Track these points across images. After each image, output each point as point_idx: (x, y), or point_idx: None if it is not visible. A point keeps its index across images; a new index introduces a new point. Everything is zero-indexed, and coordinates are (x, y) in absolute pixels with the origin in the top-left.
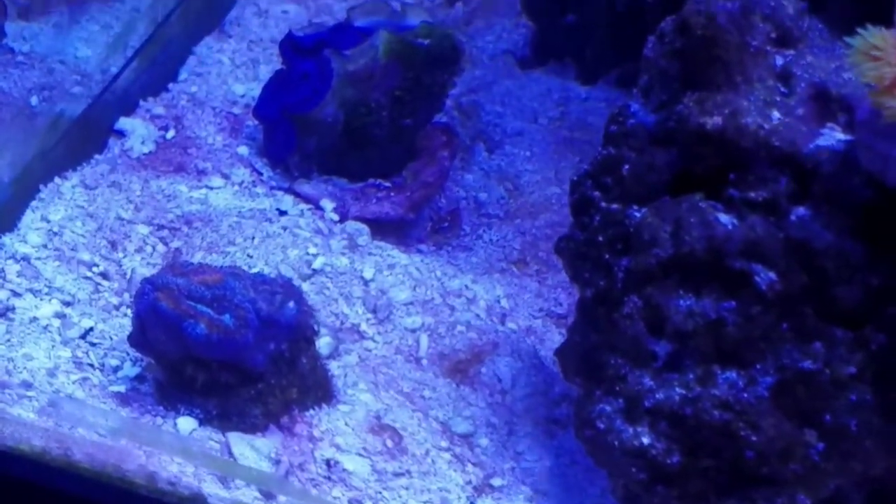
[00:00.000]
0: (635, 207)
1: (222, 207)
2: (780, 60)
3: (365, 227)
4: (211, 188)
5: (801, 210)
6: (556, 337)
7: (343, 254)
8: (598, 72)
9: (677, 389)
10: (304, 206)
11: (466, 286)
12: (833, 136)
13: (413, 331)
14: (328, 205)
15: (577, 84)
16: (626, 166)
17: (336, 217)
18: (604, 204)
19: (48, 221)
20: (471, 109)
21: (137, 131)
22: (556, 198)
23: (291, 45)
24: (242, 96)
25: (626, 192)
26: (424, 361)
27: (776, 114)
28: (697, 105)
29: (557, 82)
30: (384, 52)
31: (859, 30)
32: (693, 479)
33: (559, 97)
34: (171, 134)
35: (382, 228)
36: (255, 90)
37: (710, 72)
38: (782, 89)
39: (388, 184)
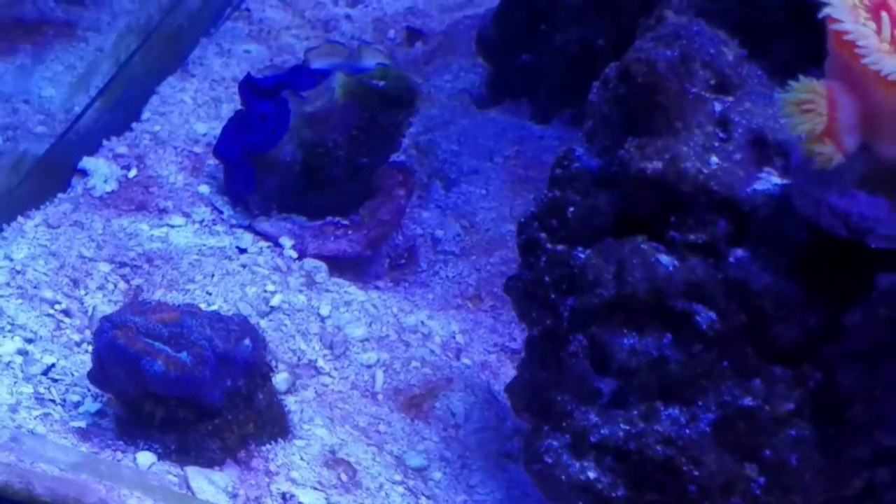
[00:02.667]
0: (580, 249)
1: (183, 245)
2: (718, 107)
3: (323, 265)
4: (172, 226)
5: (739, 252)
6: (509, 371)
7: (301, 291)
8: (552, 111)
9: (622, 425)
10: (263, 243)
11: (422, 322)
12: (769, 180)
13: (369, 366)
14: (287, 242)
15: (531, 123)
16: (571, 209)
17: (295, 254)
18: (549, 245)
19: (11, 260)
20: (428, 148)
21: (100, 171)
22: (511, 235)
23: (250, 87)
24: (204, 135)
25: (571, 233)
26: (380, 396)
27: (714, 159)
28: (639, 150)
29: (512, 122)
30: (341, 94)
31: (790, 82)
32: None
33: (514, 136)
34: (133, 173)
35: (340, 265)
36: (217, 129)
37: (650, 118)
38: (721, 135)
39: (345, 222)
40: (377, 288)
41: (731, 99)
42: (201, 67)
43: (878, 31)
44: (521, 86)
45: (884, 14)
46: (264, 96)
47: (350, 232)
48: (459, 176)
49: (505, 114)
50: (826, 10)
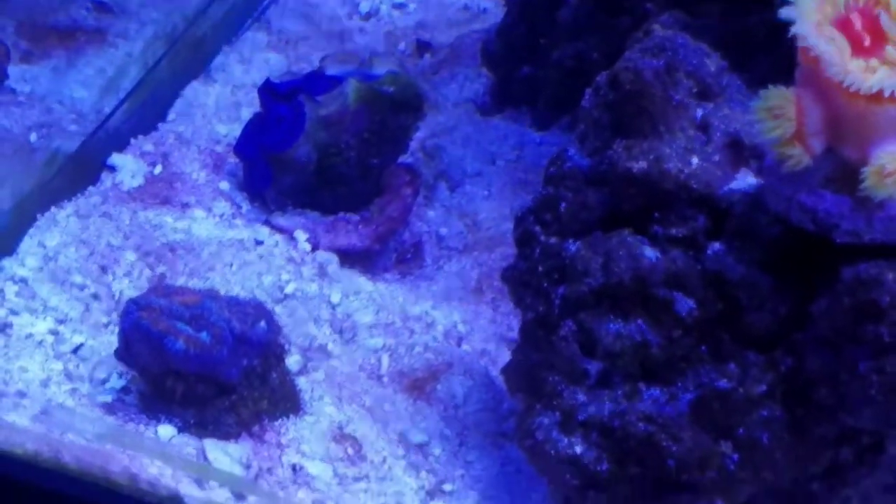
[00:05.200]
0: (571, 241)
1: (204, 237)
2: (699, 112)
3: (334, 257)
4: (194, 219)
5: (716, 245)
6: (507, 358)
7: (313, 280)
8: (551, 119)
9: (607, 404)
10: (278, 236)
11: (426, 312)
12: (745, 179)
13: (375, 351)
14: (301, 235)
15: (531, 130)
16: (564, 204)
17: (308, 247)
18: (543, 238)
19: (44, 247)
20: (434, 151)
21: (128, 166)
22: (511, 233)
23: (269, 91)
24: (225, 136)
25: (563, 227)
26: (385, 378)
27: (695, 159)
28: (626, 151)
29: (514, 128)
30: (353, 99)
31: (761, 90)
32: (621, 485)
33: (515, 141)
34: (158, 169)
35: (350, 258)
36: (237, 130)
37: (637, 122)
38: (701, 138)
39: (356, 217)
40: (385, 280)
41: (711, 105)
42: (223, 73)
43: (841, 43)
44: (522, 95)
45: (841, 32)
46: (282, 100)
47: (360, 227)
48: (463, 177)
49: (507, 121)
50: (794, 28)
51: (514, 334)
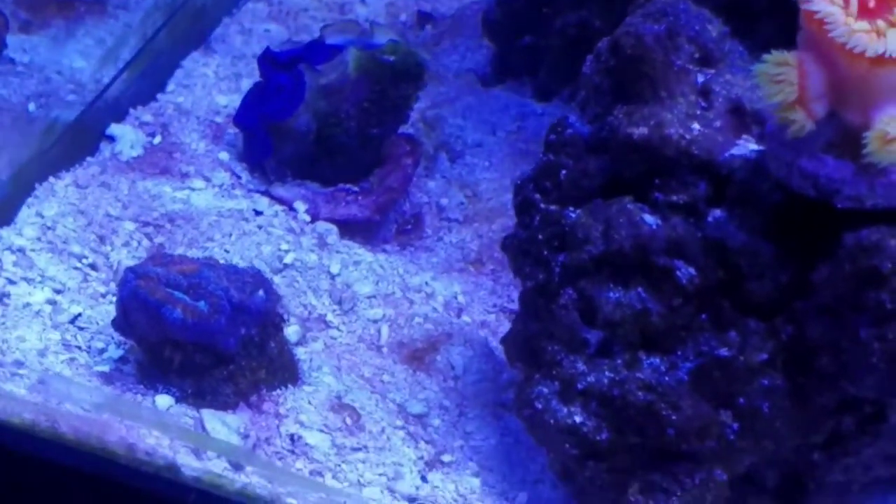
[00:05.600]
0: (571, 209)
1: (203, 207)
2: (701, 78)
3: (334, 227)
4: (193, 189)
5: (717, 212)
6: (507, 329)
7: (313, 251)
8: (553, 90)
9: (606, 373)
10: (278, 207)
11: (426, 283)
12: (746, 146)
13: (375, 321)
14: (301, 206)
15: (533, 101)
16: (564, 172)
17: (308, 218)
18: (543, 205)
19: (42, 217)
20: (434, 122)
21: (127, 136)
22: (511, 204)
23: (269, 60)
24: (225, 107)
25: (563, 195)
26: (384, 349)
27: (696, 125)
28: (626, 117)
29: (515, 99)
30: (354, 68)
31: (764, 55)
32: (620, 455)
33: (516, 112)
34: (157, 140)
35: (350, 228)
36: (237, 101)
37: (637, 87)
38: (702, 104)
39: (356, 188)
40: (384, 251)
41: (712, 71)
42: (223, 44)
43: (846, 6)
44: (524, 65)
45: None
46: (282, 69)
47: (360, 198)
48: (464, 148)
49: (508, 91)
50: None
51: (514, 305)
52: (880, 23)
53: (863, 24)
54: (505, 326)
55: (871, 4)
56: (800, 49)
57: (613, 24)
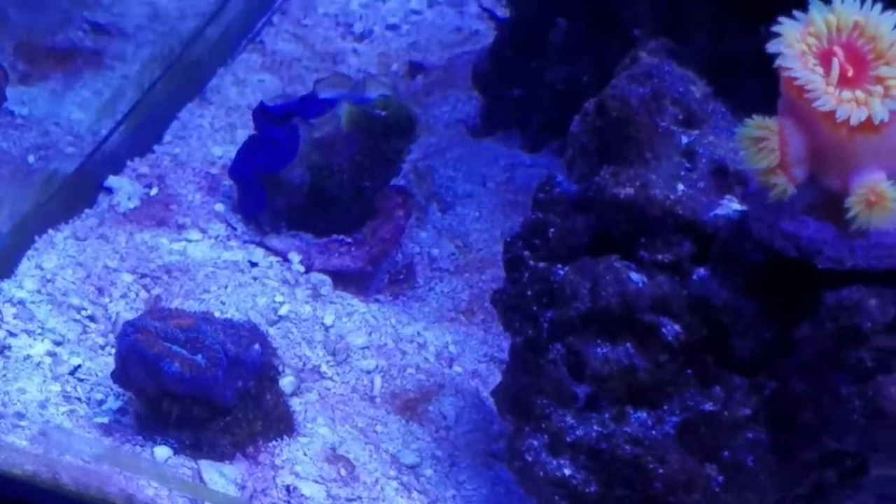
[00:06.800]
0: (559, 266)
1: (199, 259)
2: (685, 139)
3: (328, 278)
4: (189, 241)
5: (701, 271)
6: (498, 379)
7: (307, 302)
8: (542, 141)
9: (595, 427)
10: (273, 258)
11: (418, 333)
12: (729, 206)
13: (368, 372)
14: (295, 257)
15: (522, 152)
16: (552, 230)
17: (302, 268)
18: (532, 262)
19: (42, 269)
20: (426, 173)
21: (124, 188)
22: (502, 255)
23: (263, 114)
24: (220, 157)
25: (551, 252)
26: (378, 400)
27: (681, 186)
28: (613, 177)
29: (505, 150)
30: (346, 122)
31: (746, 120)
32: None
33: (506, 163)
34: (154, 191)
35: (344, 279)
36: (232, 152)
37: (623, 148)
38: (687, 165)
39: (349, 239)
40: (377, 301)
41: (696, 132)
42: (218, 95)
43: (826, 75)
44: (513, 117)
45: (834, 60)
46: (276, 122)
47: (353, 249)
48: (455, 199)
49: (498, 143)
50: (779, 59)
51: (505, 355)
52: (859, 93)
53: (847, 94)
54: (496, 376)
55: (850, 74)
56: (780, 114)
57: (601, 79)
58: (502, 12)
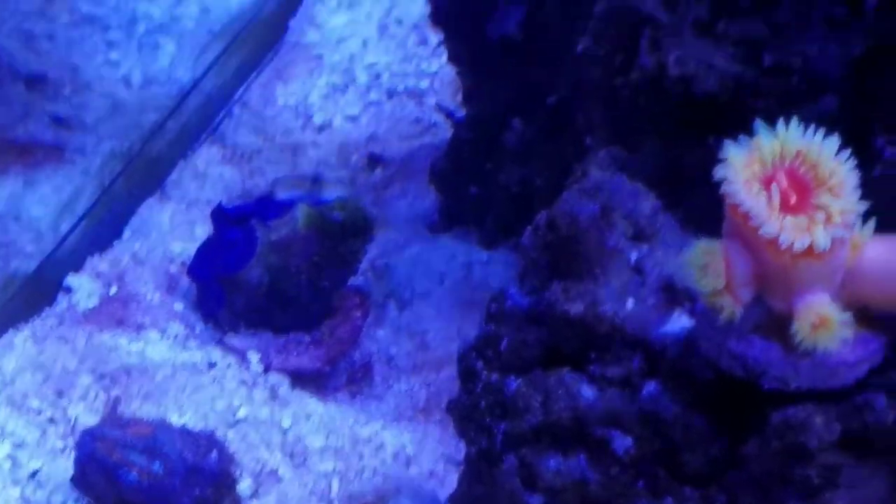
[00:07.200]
0: (512, 378)
1: (158, 360)
2: (634, 255)
3: (286, 378)
4: (148, 341)
5: (651, 385)
6: (455, 479)
7: (265, 404)
8: (498, 238)
9: None
10: (231, 357)
11: (376, 433)
12: (679, 322)
13: (326, 475)
14: (254, 356)
15: (480, 248)
16: (504, 342)
17: (261, 368)
18: (485, 374)
19: (1, 371)
20: (384, 271)
21: (84, 287)
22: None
23: (221, 215)
24: (179, 254)
25: (504, 364)
26: (336, 502)
27: (630, 302)
28: (563, 293)
29: (462, 247)
30: (303, 224)
31: (691, 243)
32: None
33: (463, 261)
34: (113, 290)
35: (302, 379)
36: (191, 248)
37: (573, 264)
38: (636, 280)
39: (308, 338)
40: (335, 400)
41: (646, 247)
42: (178, 190)
43: (769, 201)
44: (471, 214)
45: (774, 187)
46: (234, 224)
47: (312, 348)
48: (412, 297)
49: (455, 239)
50: (724, 185)
51: (461, 455)
52: (802, 219)
53: (791, 221)
54: (452, 476)
55: (793, 200)
56: (725, 236)
57: (555, 182)
58: (459, 111)
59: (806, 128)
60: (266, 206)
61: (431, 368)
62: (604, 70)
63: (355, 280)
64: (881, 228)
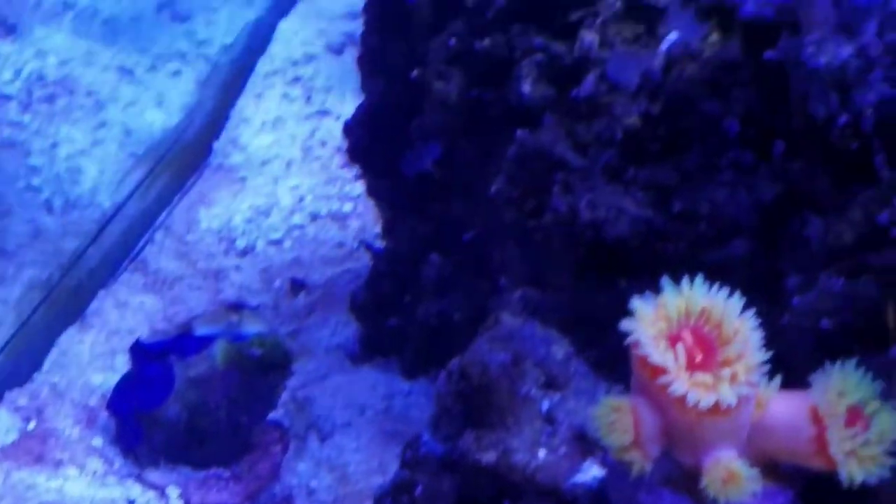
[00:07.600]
0: None
1: (76, 497)
2: (546, 404)
3: None
4: (66, 478)
5: None
6: None
7: None
8: (418, 369)
9: None
10: (151, 493)
11: None
12: (590, 472)
13: None
14: (173, 492)
15: (401, 378)
16: (419, 488)
17: None
18: None
19: None
20: (305, 403)
21: (2, 422)
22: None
23: (140, 351)
24: (99, 385)
25: None
26: None
27: (542, 452)
28: (476, 442)
29: (383, 377)
30: (222, 360)
31: (600, 398)
32: None
33: (384, 392)
34: (32, 425)
35: None
36: (112, 379)
37: (485, 414)
38: (548, 430)
39: (227, 473)
40: None
41: (558, 396)
42: (99, 319)
43: (675, 359)
44: (391, 345)
45: (679, 345)
46: (153, 359)
47: (231, 484)
48: (333, 429)
49: (377, 369)
50: (630, 338)
51: None
52: (708, 377)
53: (698, 378)
54: None
55: (698, 359)
56: (633, 391)
57: (471, 316)
58: (379, 243)
59: (711, 284)
60: (184, 342)
61: (353, 502)
62: (517, 211)
63: (275, 413)
64: (789, 377)
